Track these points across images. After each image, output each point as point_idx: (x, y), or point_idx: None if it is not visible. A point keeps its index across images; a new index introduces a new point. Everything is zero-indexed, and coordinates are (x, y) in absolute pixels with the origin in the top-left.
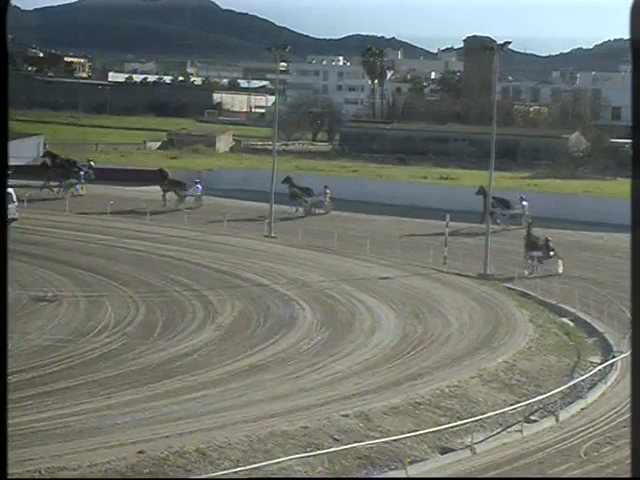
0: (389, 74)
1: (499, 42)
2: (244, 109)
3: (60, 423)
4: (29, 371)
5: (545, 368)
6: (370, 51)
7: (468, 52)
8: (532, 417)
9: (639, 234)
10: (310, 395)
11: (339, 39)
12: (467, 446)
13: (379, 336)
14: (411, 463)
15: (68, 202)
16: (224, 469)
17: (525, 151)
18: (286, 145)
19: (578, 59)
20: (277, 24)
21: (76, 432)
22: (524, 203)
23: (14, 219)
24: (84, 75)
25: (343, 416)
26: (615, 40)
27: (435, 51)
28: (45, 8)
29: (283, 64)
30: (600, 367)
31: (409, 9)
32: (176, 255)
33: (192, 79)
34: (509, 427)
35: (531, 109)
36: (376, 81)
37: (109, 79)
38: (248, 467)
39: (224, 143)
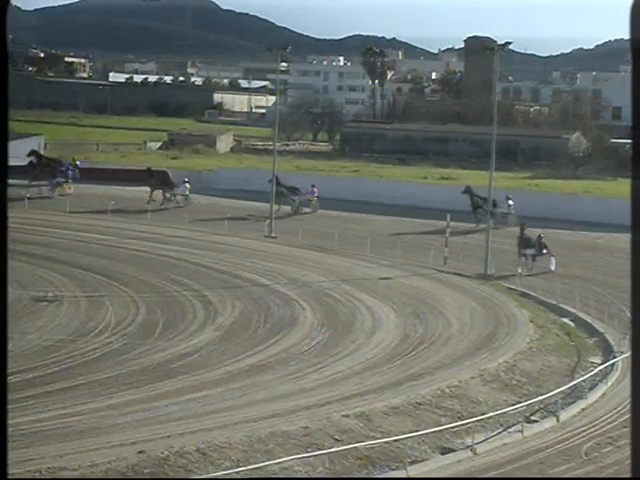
0: (390, 74)
1: (499, 42)
2: (245, 109)
3: (61, 423)
4: (30, 371)
5: (546, 368)
6: (371, 51)
7: (468, 52)
8: (533, 417)
9: (639, 234)
10: (311, 395)
11: (340, 39)
12: (468, 446)
13: (380, 336)
14: (412, 463)
15: (65, 202)
16: (225, 469)
17: (525, 151)
18: (287, 145)
19: (579, 59)
20: (278, 24)
21: (77, 432)
22: (510, 202)
23: None
24: (85, 75)
25: (344, 416)
26: (615, 40)
27: (436, 51)
28: (45, 8)
29: (284, 64)
30: (601, 367)
31: (410, 9)
32: (176, 255)
33: (193, 79)
34: (510, 427)
35: (531, 109)
36: (377, 81)
37: (110, 79)
38: (249, 467)
39: (225, 143)
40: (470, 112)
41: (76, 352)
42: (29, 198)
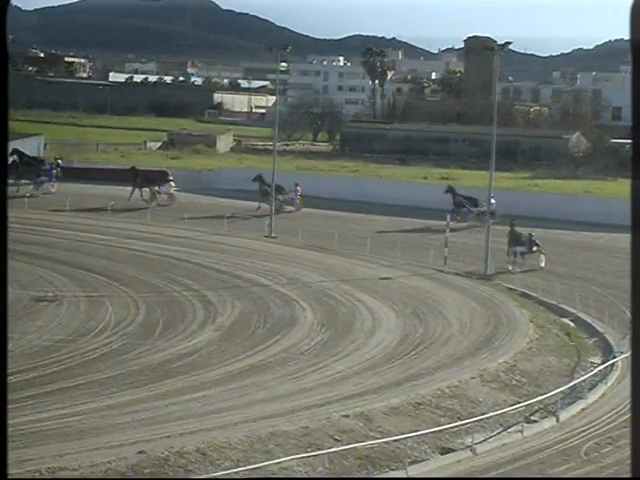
0: (390, 74)
1: (500, 42)
2: (245, 109)
3: (60, 423)
4: (29, 371)
5: (545, 368)
6: (371, 51)
7: (468, 52)
8: (532, 417)
9: (639, 234)
10: (311, 395)
11: (340, 39)
12: (467, 446)
13: (380, 336)
14: (411, 463)
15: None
16: (224, 469)
17: (526, 151)
18: (287, 145)
19: (579, 59)
20: (277, 24)
21: (77, 432)
22: (492, 201)
23: None
24: (84, 75)
25: (343, 416)
26: (615, 40)
27: (435, 51)
28: (45, 8)
29: (284, 64)
30: (600, 367)
31: (410, 9)
32: (176, 255)
33: (193, 79)
34: (509, 427)
35: (531, 109)
36: (377, 81)
37: (110, 79)
38: (249, 467)
39: (225, 143)
40: (470, 112)
41: (76, 352)
42: (28, 197)
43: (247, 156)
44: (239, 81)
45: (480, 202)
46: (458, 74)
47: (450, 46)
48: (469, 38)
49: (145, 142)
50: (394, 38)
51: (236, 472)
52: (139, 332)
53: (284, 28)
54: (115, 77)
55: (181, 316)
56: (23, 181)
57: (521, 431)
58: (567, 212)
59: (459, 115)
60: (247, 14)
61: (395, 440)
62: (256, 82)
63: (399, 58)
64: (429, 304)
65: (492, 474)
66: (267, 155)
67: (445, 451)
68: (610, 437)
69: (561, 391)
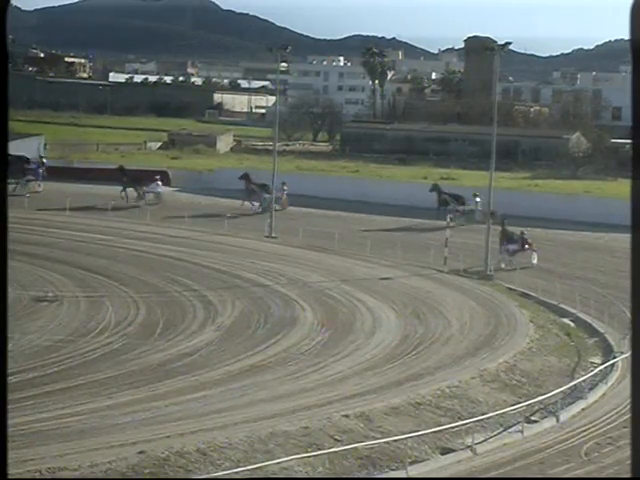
0: (390, 74)
1: (500, 42)
2: (245, 109)
3: (61, 423)
4: (30, 371)
5: (546, 369)
6: (371, 51)
7: (469, 52)
8: (533, 417)
9: (639, 235)
10: (311, 395)
11: (340, 39)
12: (468, 446)
13: (380, 336)
14: (412, 463)
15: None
16: (225, 469)
17: (526, 151)
18: (287, 145)
19: (579, 59)
20: (278, 24)
21: (77, 432)
22: (477, 199)
23: None
24: (85, 75)
25: (344, 416)
26: (616, 40)
27: (436, 51)
28: (46, 8)
29: (284, 64)
30: (601, 367)
31: (410, 10)
32: (176, 255)
33: (193, 79)
34: (510, 427)
35: (532, 109)
36: (377, 81)
37: (110, 79)
38: (249, 467)
39: (225, 143)
40: (470, 112)
41: (76, 352)
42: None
43: (247, 156)
44: (239, 81)
45: (466, 200)
46: (458, 74)
47: (450, 46)
48: (469, 38)
49: (145, 142)
50: (394, 38)
51: (236, 472)
52: (139, 332)
53: (284, 28)
54: (115, 77)
55: (181, 316)
56: (9, 180)
57: (521, 431)
58: (567, 212)
59: (459, 115)
60: (247, 14)
61: (395, 440)
62: (256, 82)
63: (399, 58)
64: (429, 304)
65: (492, 474)
66: (267, 155)
67: (445, 451)
68: (610, 437)
69: (561, 391)
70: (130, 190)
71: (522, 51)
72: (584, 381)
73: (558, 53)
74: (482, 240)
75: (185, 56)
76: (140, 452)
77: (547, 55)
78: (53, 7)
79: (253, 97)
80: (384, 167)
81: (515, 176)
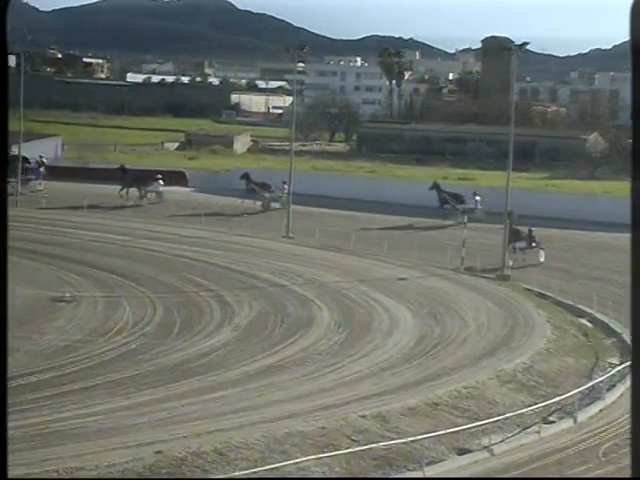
0: (407, 75)
1: (517, 42)
2: (262, 110)
3: (78, 423)
4: (48, 371)
5: (563, 369)
6: (388, 52)
7: (486, 53)
8: (550, 418)
9: (639, 234)
10: (328, 396)
11: (357, 40)
12: (485, 447)
13: (397, 337)
14: (428, 464)
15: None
16: (241, 469)
17: (543, 152)
18: (304, 145)
19: (596, 59)
20: (295, 24)
21: (94, 432)
22: (477, 198)
23: None
24: (102, 76)
25: (361, 417)
26: None
27: (453, 52)
28: (63, 9)
29: (301, 65)
30: (619, 368)
31: (427, 10)
32: (193, 255)
33: (210, 80)
34: (527, 428)
35: (549, 110)
36: (394, 82)
37: (127, 80)
38: (266, 467)
39: (242, 144)
40: (487, 112)
41: (94, 352)
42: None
43: (264, 156)
44: (256, 81)
45: (465, 199)
46: (475, 74)
47: (467, 46)
48: (486, 38)
49: (162, 143)
50: (411, 38)
51: (253, 472)
52: (156, 332)
53: (301, 28)
54: (133, 78)
55: (198, 316)
56: (9, 179)
57: (539, 432)
58: (585, 212)
59: (476, 115)
60: (264, 14)
61: (412, 440)
62: (273, 82)
63: (416, 58)
64: (446, 304)
65: (509, 475)
66: (284, 155)
67: (462, 452)
68: (628, 438)
69: (579, 392)
70: (133, 189)
71: (539, 51)
72: (602, 382)
73: (576, 53)
74: (492, 239)
75: (202, 56)
76: (157, 452)
77: (565, 55)
78: (71, 8)
79: (270, 97)
80: (401, 167)
81: (533, 176)
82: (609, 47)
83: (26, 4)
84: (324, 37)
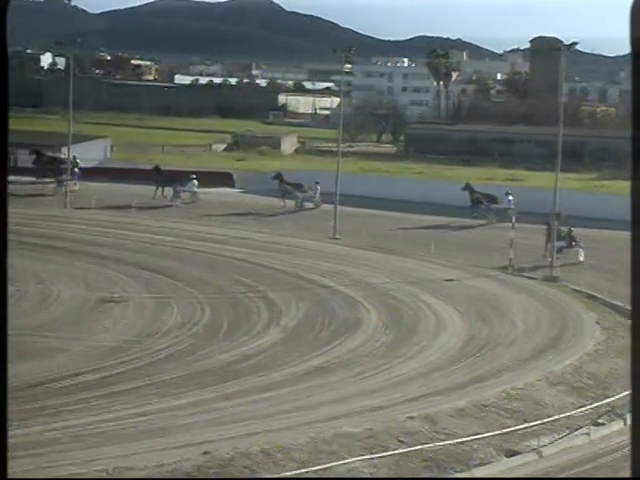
0: (454, 75)
1: (566, 42)
2: (309, 111)
3: (127, 423)
4: (97, 371)
5: (613, 371)
6: (435, 52)
7: (534, 53)
8: (600, 420)
9: (639, 232)
10: (376, 397)
11: (404, 40)
12: (534, 449)
13: (444, 338)
14: (477, 466)
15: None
16: (289, 470)
17: (592, 152)
18: (351, 147)
19: None
20: (342, 25)
21: (144, 432)
22: (510, 198)
23: None
24: (151, 78)
25: (409, 418)
26: None
27: (501, 52)
28: (112, 11)
29: (348, 66)
30: None
31: (475, 10)
32: (240, 256)
33: (257, 81)
34: (576, 430)
35: (598, 110)
36: (441, 82)
37: (175, 81)
38: (314, 468)
39: (289, 145)
40: (536, 113)
41: (143, 353)
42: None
43: (311, 157)
44: (303, 83)
45: (498, 199)
46: (524, 75)
47: (515, 47)
48: (535, 38)
49: (210, 144)
50: (459, 39)
51: (301, 473)
52: (204, 333)
53: (348, 29)
54: (181, 79)
55: (246, 317)
56: (46, 179)
57: (588, 434)
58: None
59: (525, 116)
60: (311, 15)
61: (460, 442)
62: (320, 83)
63: (464, 59)
64: (494, 306)
65: (561, 476)
66: (331, 156)
67: (511, 453)
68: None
69: (629, 393)
70: (167, 189)
71: (589, 51)
72: None
73: (626, 53)
74: (530, 239)
75: (250, 58)
76: (205, 452)
77: (614, 55)
78: (119, 10)
79: (317, 98)
80: (449, 168)
81: (581, 177)
82: None
83: (75, 7)
84: (371, 38)
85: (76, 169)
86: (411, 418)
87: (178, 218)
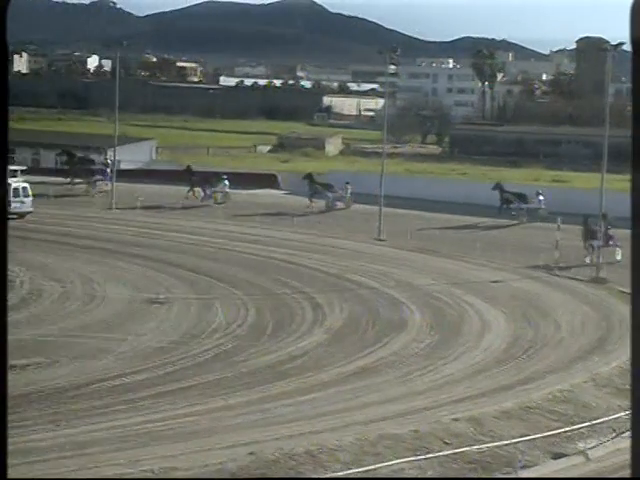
0: (499, 76)
1: (612, 43)
2: (354, 112)
3: (174, 424)
4: (143, 372)
5: None
6: (480, 53)
7: (581, 53)
8: None
9: (639, 229)
10: (420, 398)
11: (449, 41)
12: (580, 451)
13: (489, 339)
14: (523, 468)
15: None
16: (334, 471)
17: None
18: (395, 148)
19: None
20: (386, 27)
21: (189, 433)
22: (540, 197)
23: (29, 212)
24: (196, 79)
25: (454, 420)
26: None
27: (547, 52)
28: (158, 14)
29: (393, 67)
30: None
31: (520, 10)
32: (284, 257)
33: (302, 82)
34: (624, 433)
35: None
36: (486, 83)
37: (220, 83)
38: (358, 469)
39: (334, 146)
40: (582, 114)
41: (188, 353)
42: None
43: (356, 159)
44: (348, 84)
45: (529, 198)
46: (570, 75)
47: (562, 47)
48: (581, 39)
49: (255, 145)
50: (504, 40)
51: (346, 474)
52: (249, 334)
53: (393, 30)
54: (226, 81)
55: (290, 318)
56: (77, 180)
57: None
58: None
59: (571, 117)
60: (356, 17)
61: (506, 444)
62: (365, 85)
63: (509, 60)
64: (539, 307)
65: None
66: (376, 158)
67: (557, 456)
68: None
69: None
70: (198, 190)
71: None
72: None
73: None
74: (567, 239)
75: (294, 59)
76: (250, 453)
77: None
78: (165, 12)
79: (362, 100)
80: (494, 169)
81: (628, 178)
82: None
83: (121, 9)
84: (416, 39)
85: (107, 170)
86: (456, 420)
87: (212, 218)
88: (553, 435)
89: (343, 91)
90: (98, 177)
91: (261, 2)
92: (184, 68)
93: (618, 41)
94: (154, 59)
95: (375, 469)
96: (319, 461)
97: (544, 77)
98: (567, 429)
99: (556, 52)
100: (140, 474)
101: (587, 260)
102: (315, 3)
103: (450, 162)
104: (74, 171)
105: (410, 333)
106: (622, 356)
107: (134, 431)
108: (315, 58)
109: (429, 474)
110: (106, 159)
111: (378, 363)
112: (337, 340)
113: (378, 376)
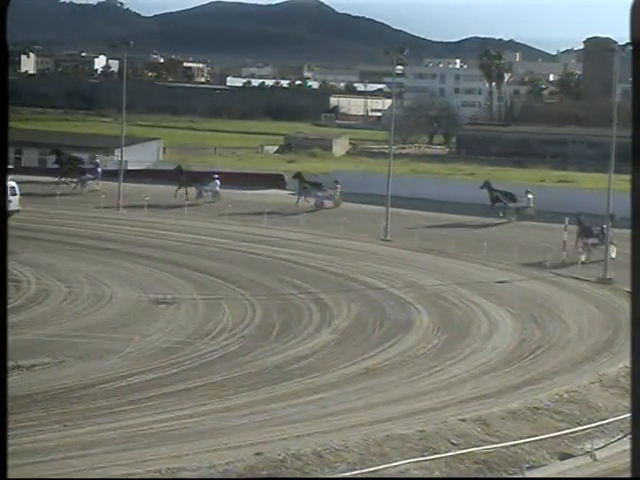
0: (507, 76)
1: (620, 43)
2: (360, 112)
3: (180, 424)
4: (149, 372)
5: None
6: (488, 54)
7: (588, 54)
8: None
9: (639, 229)
10: (427, 399)
11: (456, 42)
12: (587, 452)
13: (496, 340)
14: (529, 468)
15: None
16: (341, 472)
17: None
18: (402, 148)
19: None
20: (394, 27)
21: (195, 433)
22: (529, 196)
23: (17, 210)
24: (203, 80)
25: (460, 420)
26: None
27: (554, 53)
28: (165, 14)
29: (400, 67)
30: None
31: (528, 11)
32: (291, 258)
33: (309, 83)
34: (630, 433)
35: None
36: (493, 84)
37: (227, 84)
38: (365, 470)
39: (341, 146)
40: (589, 114)
41: (194, 354)
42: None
43: (363, 159)
44: (355, 84)
45: (517, 197)
46: (577, 76)
47: (569, 47)
48: (589, 39)
49: (262, 146)
50: (512, 40)
51: (352, 474)
52: (256, 335)
53: (400, 31)
54: (232, 81)
55: (297, 319)
56: (68, 179)
57: None
58: None
59: (578, 117)
60: (363, 17)
61: (513, 445)
62: (372, 85)
63: (516, 60)
64: (546, 308)
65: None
66: (383, 158)
67: (564, 456)
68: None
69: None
70: (191, 189)
71: None
72: None
73: None
74: (560, 238)
75: (301, 60)
76: (257, 453)
77: None
78: (172, 13)
79: (369, 100)
80: (500, 170)
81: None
82: None
83: (128, 10)
84: (423, 39)
85: (98, 169)
86: (463, 420)
87: (216, 218)
88: (560, 436)
89: (350, 91)
90: (89, 176)
91: (268, 3)
92: (191, 69)
93: (626, 41)
94: (161, 60)
95: (381, 469)
96: (326, 461)
97: (551, 77)
98: (574, 430)
99: (563, 52)
100: (147, 474)
101: (582, 258)
102: (322, 3)
103: (457, 162)
104: (64, 170)
105: (417, 333)
106: (629, 357)
107: (141, 431)
108: (322, 58)
109: (435, 474)
110: (96, 158)
111: (385, 364)
112: (344, 341)
113: (385, 377)
